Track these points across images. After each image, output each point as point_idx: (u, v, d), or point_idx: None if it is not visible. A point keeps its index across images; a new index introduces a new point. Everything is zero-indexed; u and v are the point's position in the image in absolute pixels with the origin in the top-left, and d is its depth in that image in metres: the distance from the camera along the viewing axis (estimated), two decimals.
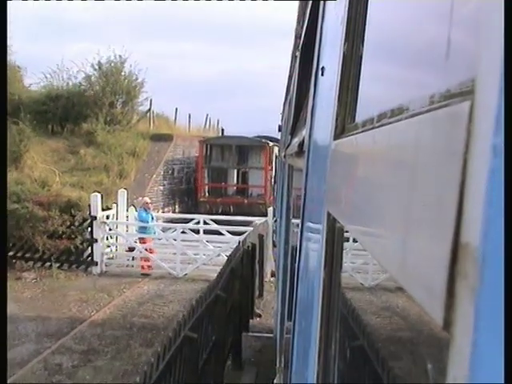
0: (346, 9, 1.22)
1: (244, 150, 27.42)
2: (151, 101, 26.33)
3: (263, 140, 27.43)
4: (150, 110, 26.53)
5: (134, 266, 15.07)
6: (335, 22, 1.40)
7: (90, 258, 14.59)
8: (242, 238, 11.72)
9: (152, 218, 15.21)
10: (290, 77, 7.25)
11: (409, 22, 0.74)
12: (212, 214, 22.09)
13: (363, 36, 1.13)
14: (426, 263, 0.47)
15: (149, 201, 15.88)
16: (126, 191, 16.87)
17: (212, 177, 26.53)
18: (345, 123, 1.18)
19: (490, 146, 0.36)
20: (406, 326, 0.96)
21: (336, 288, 1.24)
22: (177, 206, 24.73)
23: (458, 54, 0.48)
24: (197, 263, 14.41)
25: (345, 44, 1.23)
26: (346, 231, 1.12)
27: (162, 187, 23.24)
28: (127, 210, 16.40)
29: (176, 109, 29.63)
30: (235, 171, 27.48)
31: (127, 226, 16.10)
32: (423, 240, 0.49)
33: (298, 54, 4.82)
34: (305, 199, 1.87)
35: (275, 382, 5.20)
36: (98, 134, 22.04)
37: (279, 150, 27.51)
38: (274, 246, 12.23)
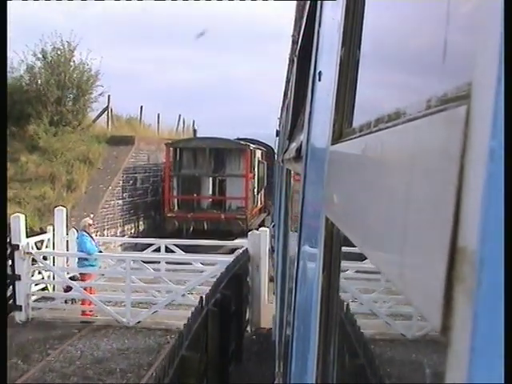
0: (343, 13, 1.22)
1: (220, 154, 22.56)
2: (109, 97, 21.87)
3: (243, 142, 23.47)
4: (107, 107, 22.04)
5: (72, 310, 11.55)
6: (332, 27, 1.40)
7: (11, 301, 10.87)
8: (214, 269, 9.61)
9: (94, 244, 11.57)
10: (288, 82, 7.26)
11: (405, 26, 0.74)
12: (182, 232, 19.29)
13: (360, 41, 1.13)
14: (423, 267, 0.47)
15: (91, 222, 12.07)
16: (64, 209, 13.16)
17: (182, 187, 22.06)
18: (342, 128, 1.19)
19: (487, 150, 0.36)
20: (404, 330, 0.96)
21: (335, 293, 1.24)
22: (141, 223, 20.88)
23: (454, 58, 0.48)
24: (154, 307, 10.67)
25: (342, 49, 1.23)
26: (344, 236, 1.12)
27: (120, 201, 19.21)
28: (67, 234, 12.78)
29: (141, 107, 25.12)
30: (210, 180, 22.74)
31: (67, 257, 12.47)
32: (421, 244, 0.49)
33: (295, 58, 4.83)
34: (303, 204, 1.87)
35: None
36: (40, 137, 18.47)
37: (262, 154, 25.52)
38: (273, 250, 12.19)
